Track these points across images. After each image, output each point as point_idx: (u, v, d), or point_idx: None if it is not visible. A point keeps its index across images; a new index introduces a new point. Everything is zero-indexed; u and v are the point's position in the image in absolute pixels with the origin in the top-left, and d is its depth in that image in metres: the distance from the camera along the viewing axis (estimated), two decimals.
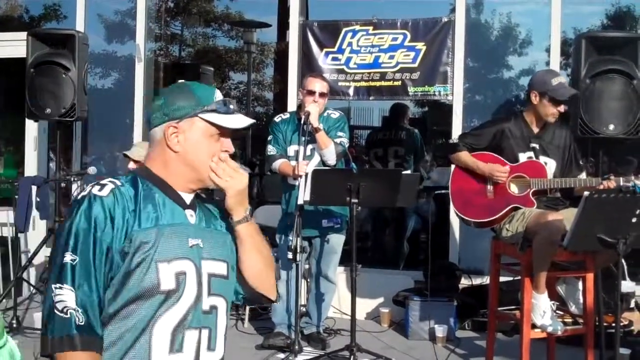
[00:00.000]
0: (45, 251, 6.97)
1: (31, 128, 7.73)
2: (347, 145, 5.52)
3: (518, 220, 4.67)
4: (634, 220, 3.80)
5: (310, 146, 5.43)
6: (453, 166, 5.02)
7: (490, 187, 4.85)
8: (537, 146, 4.87)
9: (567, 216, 4.32)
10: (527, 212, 4.65)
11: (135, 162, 5.86)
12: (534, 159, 4.84)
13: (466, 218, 4.90)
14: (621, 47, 5.73)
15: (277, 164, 5.57)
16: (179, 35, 14.80)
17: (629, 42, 5.78)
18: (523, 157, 4.84)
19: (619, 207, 3.84)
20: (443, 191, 6.95)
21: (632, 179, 4.37)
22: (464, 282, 6.62)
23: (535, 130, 4.90)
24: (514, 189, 4.82)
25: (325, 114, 5.59)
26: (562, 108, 4.81)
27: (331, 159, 5.43)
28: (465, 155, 4.87)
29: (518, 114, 5.01)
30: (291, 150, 5.58)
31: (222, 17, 15.13)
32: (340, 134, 5.54)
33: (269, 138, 5.69)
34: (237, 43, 15.45)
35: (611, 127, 5.49)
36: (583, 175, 4.89)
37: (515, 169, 4.81)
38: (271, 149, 5.63)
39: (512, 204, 4.76)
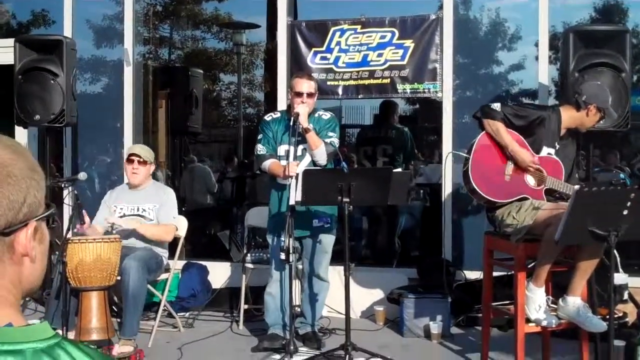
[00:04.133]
0: None
1: (21, 135, 7.70)
2: (337, 145, 5.51)
3: (527, 211, 4.65)
4: (625, 212, 3.81)
5: (301, 146, 5.42)
6: (481, 134, 4.92)
7: (509, 170, 4.83)
8: (558, 147, 4.89)
9: None
10: (537, 204, 4.64)
11: (127, 162, 5.90)
12: (553, 156, 4.85)
13: (479, 191, 4.78)
14: (609, 40, 5.75)
15: (267, 164, 5.55)
16: (168, 38, 14.77)
17: (617, 35, 5.80)
18: (546, 150, 4.85)
19: (609, 200, 3.85)
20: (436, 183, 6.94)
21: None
22: (458, 278, 6.62)
23: (562, 131, 4.92)
24: (529, 180, 4.82)
25: (316, 115, 5.58)
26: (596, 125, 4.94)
27: (322, 159, 5.42)
28: (503, 129, 4.79)
29: (556, 109, 5.01)
30: (282, 150, 5.55)
31: (211, 19, 15.12)
32: (330, 134, 5.52)
33: (259, 137, 5.66)
34: (226, 44, 15.44)
35: (601, 120, 5.49)
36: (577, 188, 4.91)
37: (537, 161, 4.81)
38: (261, 148, 5.61)
39: (524, 193, 4.75)
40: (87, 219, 5.54)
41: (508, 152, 4.79)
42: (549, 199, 4.79)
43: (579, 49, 5.70)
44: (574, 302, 4.57)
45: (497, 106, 4.85)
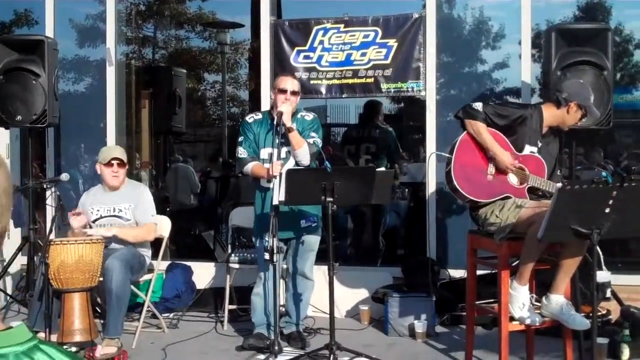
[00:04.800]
0: (21, 259, 6.91)
1: (3, 135, 7.65)
2: (320, 145, 5.49)
3: (510, 210, 4.66)
4: (607, 210, 3.82)
5: (285, 149, 5.39)
6: (462, 134, 4.91)
7: (492, 170, 4.83)
8: (540, 145, 4.90)
9: None
10: (520, 202, 4.65)
11: (106, 165, 5.86)
12: (536, 154, 4.86)
13: (461, 191, 4.78)
14: (591, 38, 5.78)
15: (249, 167, 5.50)
16: (151, 37, 14.72)
17: (599, 33, 5.82)
18: (527, 149, 4.85)
19: (591, 197, 3.85)
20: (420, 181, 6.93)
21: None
22: (442, 276, 6.63)
23: (544, 129, 4.93)
24: (512, 179, 4.83)
25: (299, 116, 5.55)
26: (578, 123, 4.93)
27: (305, 160, 5.40)
28: (484, 130, 4.79)
29: (537, 107, 5.01)
30: (265, 153, 5.49)
31: (195, 18, 15.08)
32: (313, 134, 5.50)
33: (239, 139, 5.60)
34: (210, 44, 15.41)
35: (583, 118, 5.51)
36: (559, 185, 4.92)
37: (520, 160, 4.82)
38: (242, 152, 5.55)
39: (507, 192, 4.76)
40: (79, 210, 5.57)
41: (489, 153, 4.80)
42: (532, 197, 4.80)
43: (561, 47, 5.72)
44: (557, 300, 4.59)
45: (478, 106, 4.85)
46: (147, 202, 5.99)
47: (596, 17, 11.03)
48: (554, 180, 4.82)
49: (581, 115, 4.90)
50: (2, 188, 1.35)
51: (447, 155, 4.95)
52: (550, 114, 4.93)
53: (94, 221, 5.82)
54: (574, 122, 4.96)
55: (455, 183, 4.78)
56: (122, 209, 5.89)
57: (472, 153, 4.84)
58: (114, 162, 5.87)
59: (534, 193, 4.83)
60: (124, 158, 5.95)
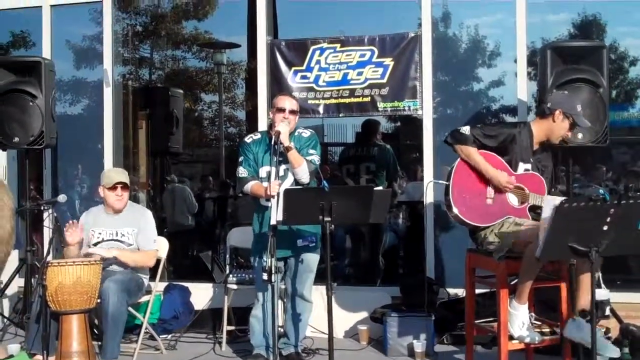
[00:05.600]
0: (18, 281, 6.88)
1: (0, 157, 7.65)
2: (318, 163, 5.49)
3: (508, 229, 4.67)
4: (605, 227, 3.81)
5: (283, 167, 5.39)
6: (458, 159, 4.92)
7: (491, 192, 4.84)
8: (534, 161, 4.90)
9: None
10: (519, 221, 4.66)
11: (110, 188, 5.84)
12: (531, 171, 4.86)
13: (463, 218, 4.79)
14: (586, 56, 5.80)
15: (249, 186, 5.51)
16: (148, 58, 14.76)
17: (594, 51, 5.85)
18: (522, 167, 4.85)
19: (589, 215, 3.84)
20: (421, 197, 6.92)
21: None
22: (441, 295, 6.61)
23: (535, 146, 4.93)
24: (512, 199, 4.83)
25: (296, 133, 5.56)
26: (570, 134, 4.89)
27: (304, 178, 5.40)
28: (476, 154, 4.81)
29: (526, 124, 5.03)
30: (263, 171, 5.51)
31: (191, 39, 15.12)
32: (311, 151, 5.50)
33: (240, 159, 5.62)
34: (207, 64, 15.44)
35: (580, 135, 5.54)
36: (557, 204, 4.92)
37: (518, 179, 4.82)
38: (242, 171, 5.57)
39: (508, 214, 4.76)
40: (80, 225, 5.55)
41: (485, 175, 4.81)
42: (532, 216, 4.80)
43: (556, 65, 5.74)
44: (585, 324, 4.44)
45: (466, 130, 4.86)
46: (150, 227, 5.97)
47: (591, 34, 11.07)
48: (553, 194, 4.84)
49: (569, 124, 4.87)
50: (8, 212, 1.35)
51: (445, 183, 4.95)
52: (539, 128, 4.94)
53: (95, 244, 5.79)
54: (564, 133, 4.91)
55: (456, 210, 4.78)
56: (124, 233, 5.86)
57: (469, 178, 4.85)
58: (118, 185, 5.86)
59: (534, 211, 4.83)
60: (128, 181, 5.94)
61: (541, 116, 4.95)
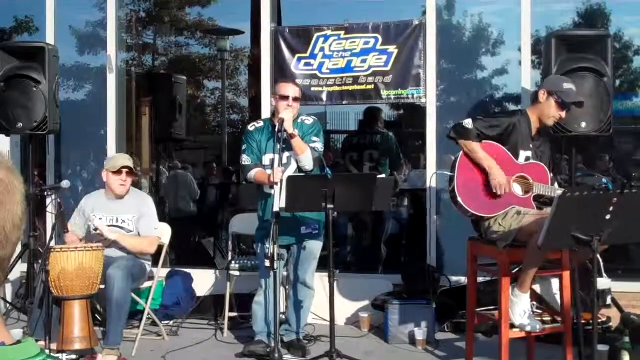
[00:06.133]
0: (21, 266, 6.90)
1: (3, 142, 7.65)
2: (321, 150, 5.49)
3: (512, 218, 4.66)
4: (607, 217, 3.81)
5: (286, 154, 5.39)
6: (460, 152, 4.90)
7: None
8: (533, 148, 4.90)
9: None
10: (523, 211, 4.66)
11: (115, 172, 5.83)
12: (532, 159, 4.86)
13: (468, 209, 4.78)
14: (591, 44, 5.78)
15: (252, 173, 5.52)
16: (151, 44, 14.71)
17: (599, 40, 5.83)
18: (523, 154, 4.85)
19: (592, 204, 3.84)
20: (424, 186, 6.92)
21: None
22: (443, 283, 6.62)
23: (533, 132, 4.93)
24: (517, 189, 4.81)
25: (299, 120, 5.56)
26: (563, 114, 4.86)
27: (308, 164, 5.40)
28: (478, 148, 4.78)
29: (523, 112, 5.03)
30: (266, 159, 5.51)
31: (194, 25, 15.07)
32: (314, 138, 5.50)
33: (243, 147, 5.63)
34: (210, 50, 15.40)
35: (583, 124, 5.53)
36: (556, 186, 4.92)
37: (520, 169, 4.81)
38: (245, 159, 5.57)
39: (512, 204, 4.75)
40: (69, 226, 5.52)
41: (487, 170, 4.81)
42: (537, 205, 4.79)
43: (560, 54, 5.73)
44: None
45: (468, 123, 4.83)
46: (151, 214, 5.96)
47: (595, 23, 11.01)
48: (551, 182, 4.84)
49: (555, 102, 4.83)
50: (19, 196, 1.34)
51: (448, 173, 4.95)
52: (532, 113, 4.94)
53: (95, 229, 5.79)
54: (554, 112, 4.84)
55: (460, 200, 4.77)
56: (124, 219, 5.85)
57: (473, 168, 4.84)
58: (123, 170, 5.84)
59: (538, 200, 4.82)
60: (131, 166, 5.94)
61: (533, 101, 4.98)
